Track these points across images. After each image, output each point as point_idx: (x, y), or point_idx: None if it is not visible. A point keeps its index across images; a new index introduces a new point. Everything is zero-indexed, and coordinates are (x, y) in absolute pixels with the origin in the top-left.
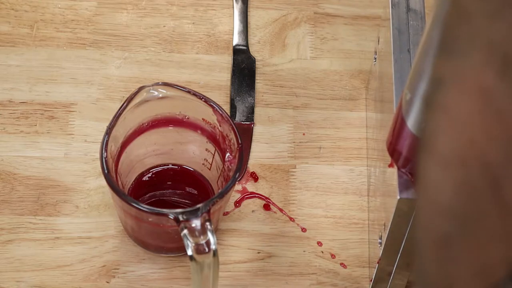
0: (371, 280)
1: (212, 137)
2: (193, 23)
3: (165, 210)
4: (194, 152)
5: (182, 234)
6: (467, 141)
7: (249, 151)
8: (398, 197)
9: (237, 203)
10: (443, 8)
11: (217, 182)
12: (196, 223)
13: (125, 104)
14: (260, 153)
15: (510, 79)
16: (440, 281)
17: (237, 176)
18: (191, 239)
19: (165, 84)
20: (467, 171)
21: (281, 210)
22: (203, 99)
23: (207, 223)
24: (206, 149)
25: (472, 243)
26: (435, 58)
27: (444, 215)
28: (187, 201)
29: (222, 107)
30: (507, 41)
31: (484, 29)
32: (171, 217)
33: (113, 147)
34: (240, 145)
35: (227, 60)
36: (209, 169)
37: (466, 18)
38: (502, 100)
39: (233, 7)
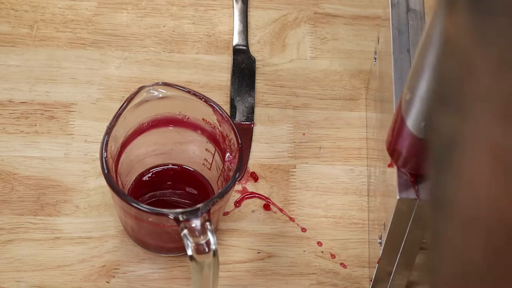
0: (371, 280)
1: (212, 137)
2: (193, 23)
3: (165, 210)
4: (194, 152)
5: (182, 234)
6: (486, 203)
7: (249, 151)
8: (398, 197)
9: (237, 203)
10: (440, 55)
11: (217, 182)
12: (196, 223)
13: (125, 104)
14: (260, 153)
15: None
16: None
17: (237, 176)
18: (191, 239)
19: (165, 84)
20: (490, 232)
21: (281, 210)
22: (203, 99)
23: (207, 223)
24: (206, 149)
25: None
26: (435, 111)
27: (471, 276)
28: (187, 201)
29: (222, 107)
30: None
31: (494, 88)
32: (171, 217)
33: (113, 147)
34: (240, 145)
35: (227, 60)
36: (209, 169)
37: (470, 73)
38: None
39: (233, 7)
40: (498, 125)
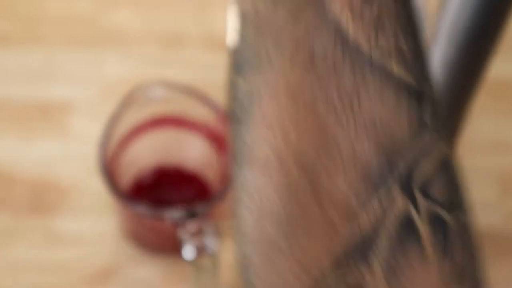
0: None
1: (212, 137)
2: (193, 22)
3: (164, 211)
4: (193, 152)
5: (181, 236)
6: (282, 142)
7: None
8: None
9: None
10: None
11: (217, 182)
12: (195, 224)
13: (124, 104)
14: None
15: (314, 74)
16: (271, 284)
17: None
18: (190, 240)
19: (165, 84)
20: (286, 172)
21: None
22: (203, 99)
23: (207, 224)
24: (206, 149)
25: (298, 240)
26: (242, 79)
27: (270, 220)
28: (187, 202)
29: (222, 107)
30: (308, 39)
31: (286, 31)
32: (170, 218)
33: (112, 147)
34: None
35: (227, 60)
36: (209, 169)
37: (266, 27)
38: (309, 93)
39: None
40: (293, 67)
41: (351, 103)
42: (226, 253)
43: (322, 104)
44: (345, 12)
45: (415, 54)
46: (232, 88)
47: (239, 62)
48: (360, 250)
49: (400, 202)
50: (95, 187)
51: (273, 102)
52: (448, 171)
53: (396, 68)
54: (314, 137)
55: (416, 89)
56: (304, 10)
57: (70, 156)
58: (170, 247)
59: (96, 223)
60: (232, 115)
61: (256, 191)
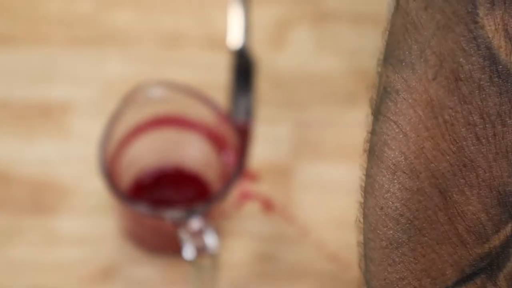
0: None
1: (212, 137)
2: (193, 22)
3: (164, 211)
4: (193, 152)
5: (181, 235)
6: (416, 151)
7: (249, 151)
8: None
9: (237, 204)
10: (390, 16)
11: (217, 182)
12: (195, 224)
13: (124, 104)
14: (260, 153)
15: (457, 94)
16: (390, 284)
17: (237, 176)
18: (190, 240)
19: (165, 84)
20: (417, 178)
21: (281, 210)
22: (203, 99)
23: (207, 224)
24: (206, 149)
25: (421, 245)
26: (381, 67)
27: (394, 220)
28: (187, 202)
29: (222, 107)
30: (454, 57)
31: (432, 43)
32: (170, 218)
33: (112, 147)
34: (240, 145)
35: (227, 59)
36: (209, 169)
37: (414, 30)
38: (450, 111)
39: (233, 7)
40: (435, 81)
41: (493, 128)
42: (226, 253)
43: (462, 125)
44: (499, 35)
45: None
46: (377, 75)
47: (385, 51)
48: (488, 269)
49: None
50: (95, 187)
51: (410, 111)
52: None
53: None
54: (450, 155)
55: None
56: (454, 26)
57: (70, 156)
58: (170, 247)
59: (96, 223)
60: (371, 102)
61: (382, 190)
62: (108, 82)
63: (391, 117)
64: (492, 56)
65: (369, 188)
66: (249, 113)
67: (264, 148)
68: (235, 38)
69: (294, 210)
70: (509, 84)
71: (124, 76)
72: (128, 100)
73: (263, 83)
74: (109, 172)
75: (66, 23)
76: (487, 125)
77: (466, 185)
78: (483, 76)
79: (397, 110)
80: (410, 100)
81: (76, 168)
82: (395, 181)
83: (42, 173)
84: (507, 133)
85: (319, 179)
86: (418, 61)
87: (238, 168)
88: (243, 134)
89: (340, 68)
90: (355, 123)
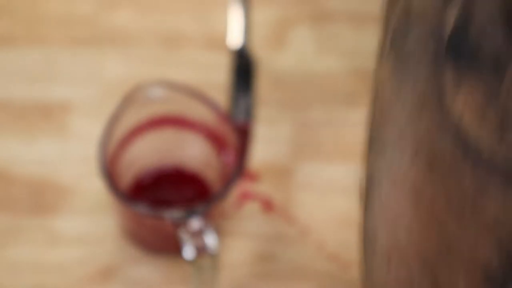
0: None
1: (212, 137)
2: (193, 22)
3: (164, 211)
4: (193, 152)
5: (181, 235)
6: (404, 236)
7: (249, 151)
8: None
9: (237, 204)
10: (369, 110)
11: (217, 182)
12: (195, 224)
13: (124, 104)
14: (260, 153)
15: (436, 173)
16: None
17: (237, 176)
18: (190, 240)
19: (165, 84)
20: (409, 267)
21: (281, 210)
22: (203, 99)
23: (207, 224)
24: (206, 149)
25: None
26: (366, 154)
27: None
28: (187, 202)
29: (222, 107)
30: (429, 140)
31: (408, 127)
32: (171, 218)
33: (112, 147)
34: (240, 145)
35: (227, 59)
36: (209, 169)
37: (388, 118)
38: (429, 191)
39: (233, 7)
40: (414, 163)
41: (473, 204)
42: (226, 253)
43: (443, 204)
44: (466, 113)
45: None
46: (364, 159)
47: (369, 137)
48: None
49: None
50: (95, 187)
51: (393, 195)
52: None
53: None
54: (434, 235)
55: None
56: (425, 108)
57: (70, 156)
58: (170, 247)
59: (96, 223)
60: (360, 187)
61: (380, 281)
62: (108, 82)
63: (378, 203)
64: (462, 136)
65: (367, 278)
66: (249, 113)
67: (264, 148)
68: (235, 38)
69: (294, 210)
70: (481, 161)
71: (124, 76)
72: (128, 100)
73: (263, 83)
74: (109, 172)
75: (66, 23)
76: (466, 203)
77: (452, 264)
78: (455, 156)
79: (383, 195)
80: (392, 183)
81: (76, 168)
82: (391, 273)
83: (42, 173)
84: (486, 209)
85: (319, 179)
86: (397, 144)
87: (238, 168)
88: (243, 134)
89: (340, 68)
90: (355, 123)
